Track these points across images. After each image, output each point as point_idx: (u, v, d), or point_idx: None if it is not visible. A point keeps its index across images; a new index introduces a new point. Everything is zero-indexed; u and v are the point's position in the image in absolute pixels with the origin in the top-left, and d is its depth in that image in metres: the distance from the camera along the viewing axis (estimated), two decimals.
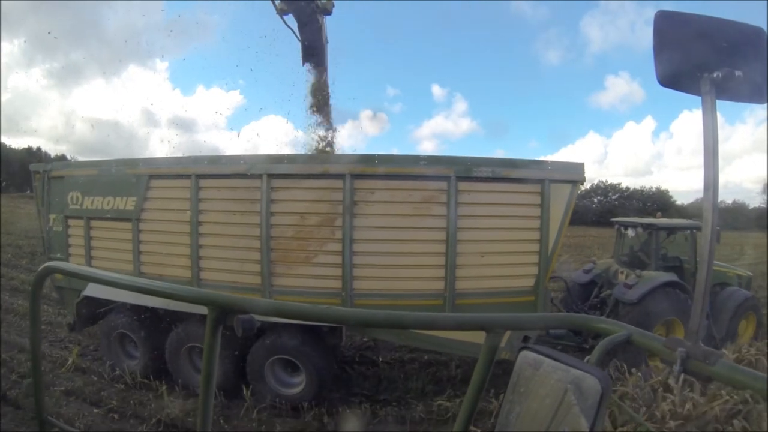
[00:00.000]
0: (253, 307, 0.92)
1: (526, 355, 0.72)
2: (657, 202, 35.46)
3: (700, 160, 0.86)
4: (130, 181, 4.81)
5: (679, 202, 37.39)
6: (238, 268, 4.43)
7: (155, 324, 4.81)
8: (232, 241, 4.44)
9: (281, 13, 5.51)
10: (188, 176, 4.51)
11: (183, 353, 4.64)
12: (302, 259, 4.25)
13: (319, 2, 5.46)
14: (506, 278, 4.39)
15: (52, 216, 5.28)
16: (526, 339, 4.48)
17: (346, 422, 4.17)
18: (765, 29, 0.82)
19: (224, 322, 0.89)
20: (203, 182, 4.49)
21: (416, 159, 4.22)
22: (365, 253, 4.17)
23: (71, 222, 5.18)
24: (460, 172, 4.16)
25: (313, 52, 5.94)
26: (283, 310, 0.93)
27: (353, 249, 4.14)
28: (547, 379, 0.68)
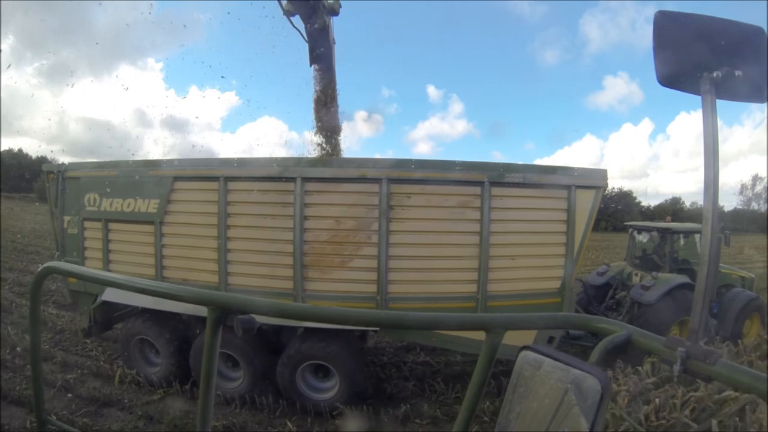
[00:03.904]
0: (253, 307, 0.91)
1: (526, 354, 0.72)
2: (619, 203, 36.16)
3: (697, 162, 0.87)
4: (152, 182, 4.69)
5: (644, 204, 37.93)
6: (269, 272, 4.38)
7: (179, 330, 4.71)
8: (263, 246, 4.39)
9: (288, 14, 5.47)
10: (216, 178, 4.43)
11: None
12: (337, 264, 4.24)
13: (326, 3, 5.44)
14: (535, 280, 4.49)
15: (66, 218, 5.09)
16: (551, 339, 4.62)
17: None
18: (765, 29, 0.83)
19: (224, 322, 0.89)
20: (232, 185, 4.42)
21: (451, 164, 4.27)
22: (401, 257, 4.20)
23: (87, 224, 5.01)
24: (493, 178, 4.24)
25: (320, 53, 5.92)
26: (284, 310, 0.92)
27: (389, 253, 4.16)
28: (547, 378, 0.68)
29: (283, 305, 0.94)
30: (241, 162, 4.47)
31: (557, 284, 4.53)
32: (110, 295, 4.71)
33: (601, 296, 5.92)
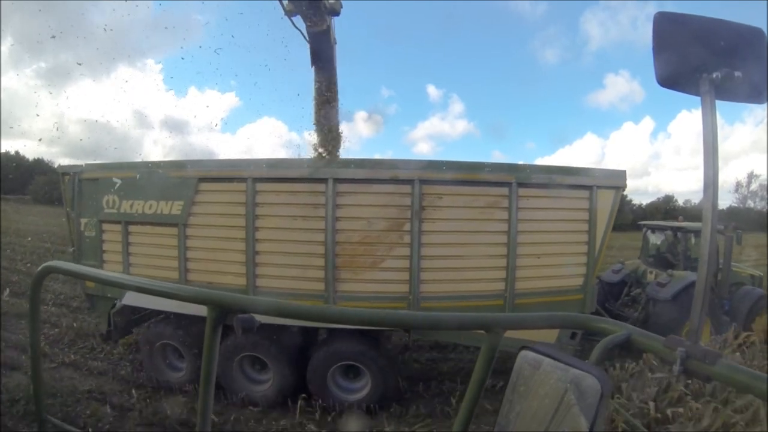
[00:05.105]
0: (253, 306, 0.91)
1: (526, 354, 0.72)
2: None
3: (698, 160, 0.88)
4: (176, 184, 4.62)
5: (636, 202, 37.87)
6: (299, 274, 4.36)
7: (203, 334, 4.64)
8: (293, 247, 4.37)
9: (289, 14, 5.43)
10: (244, 179, 4.40)
11: (236, 364, 4.51)
12: (369, 264, 4.26)
13: (327, 3, 5.43)
14: (559, 278, 4.60)
15: (83, 220, 4.97)
16: (573, 335, 4.72)
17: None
18: (764, 30, 0.83)
19: (224, 322, 0.89)
20: (261, 186, 4.39)
21: (481, 166, 4.35)
22: (433, 257, 4.24)
23: (106, 227, 4.91)
24: (521, 179, 4.33)
25: (322, 53, 5.92)
26: (284, 309, 0.92)
27: (421, 253, 4.20)
28: (546, 378, 0.68)
29: (284, 304, 0.95)
30: (271, 163, 4.45)
31: (580, 282, 4.64)
32: (131, 299, 4.62)
33: (616, 293, 6.09)
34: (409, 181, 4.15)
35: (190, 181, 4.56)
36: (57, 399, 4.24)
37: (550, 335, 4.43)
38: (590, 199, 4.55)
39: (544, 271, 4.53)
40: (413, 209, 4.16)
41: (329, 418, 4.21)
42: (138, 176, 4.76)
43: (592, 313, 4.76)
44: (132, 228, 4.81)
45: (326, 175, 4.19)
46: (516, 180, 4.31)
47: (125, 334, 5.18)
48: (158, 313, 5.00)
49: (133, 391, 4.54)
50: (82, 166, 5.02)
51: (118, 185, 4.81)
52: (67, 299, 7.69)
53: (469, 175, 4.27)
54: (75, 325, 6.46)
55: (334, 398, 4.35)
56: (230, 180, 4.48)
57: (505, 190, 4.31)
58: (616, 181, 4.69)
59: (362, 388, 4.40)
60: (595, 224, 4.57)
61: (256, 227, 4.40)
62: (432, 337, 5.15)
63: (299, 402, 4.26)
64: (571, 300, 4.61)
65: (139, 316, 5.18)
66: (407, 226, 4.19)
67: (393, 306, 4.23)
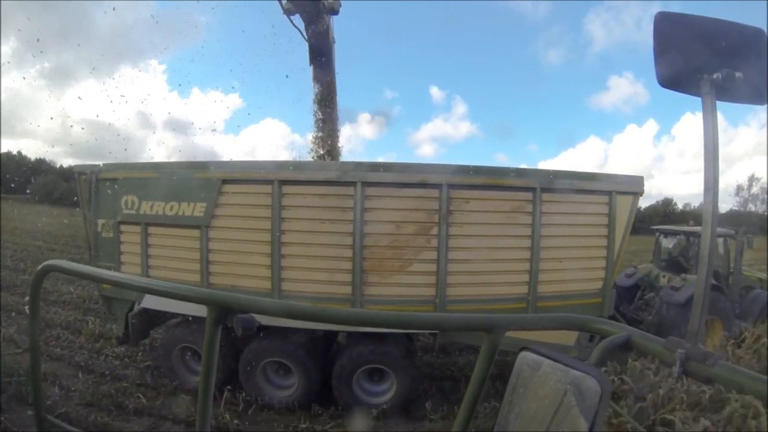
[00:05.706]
0: (253, 306, 0.91)
1: (526, 355, 0.72)
2: None
3: (702, 163, 0.85)
4: (198, 185, 4.57)
5: None
6: (326, 278, 4.35)
7: (226, 338, 4.59)
8: (320, 251, 4.35)
9: (288, 13, 5.43)
10: (269, 182, 4.37)
11: (259, 369, 4.48)
12: (396, 268, 4.27)
13: (326, 2, 5.41)
14: (579, 281, 4.67)
15: (100, 221, 4.88)
16: (592, 338, 4.80)
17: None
18: (765, 30, 0.84)
19: (224, 322, 0.88)
20: (287, 188, 4.37)
21: (507, 171, 4.40)
22: (459, 261, 4.28)
23: (124, 228, 4.83)
24: (545, 184, 4.39)
25: (320, 52, 5.90)
26: (284, 310, 0.92)
27: (448, 257, 4.23)
28: (546, 379, 0.68)
29: (284, 305, 0.95)
30: (298, 165, 4.44)
31: (599, 285, 4.72)
32: (150, 302, 4.55)
33: (630, 297, 6.21)
34: (437, 186, 4.18)
35: (214, 182, 4.51)
36: (12, 378, 4.42)
37: (569, 338, 4.50)
38: (610, 204, 4.63)
39: (565, 275, 4.60)
40: (441, 213, 4.19)
41: (249, 411, 4.35)
42: (159, 177, 4.70)
43: (609, 317, 4.84)
44: (152, 230, 4.74)
45: (355, 178, 4.19)
46: (540, 185, 4.37)
47: (142, 337, 5.10)
48: (175, 315, 4.95)
49: (80, 375, 4.92)
50: (99, 165, 4.93)
51: (137, 186, 4.74)
52: (45, 293, 7.70)
53: (496, 180, 4.32)
54: (48, 316, 6.64)
55: (359, 402, 4.35)
56: (255, 182, 4.46)
57: (529, 195, 4.37)
58: (634, 186, 4.79)
59: (387, 391, 4.41)
60: (614, 229, 4.66)
61: (282, 230, 4.37)
62: (461, 340, 5.17)
63: (225, 393, 4.41)
64: (590, 303, 4.69)
65: (156, 319, 5.11)
66: (435, 230, 4.22)
67: (419, 309, 4.25)
